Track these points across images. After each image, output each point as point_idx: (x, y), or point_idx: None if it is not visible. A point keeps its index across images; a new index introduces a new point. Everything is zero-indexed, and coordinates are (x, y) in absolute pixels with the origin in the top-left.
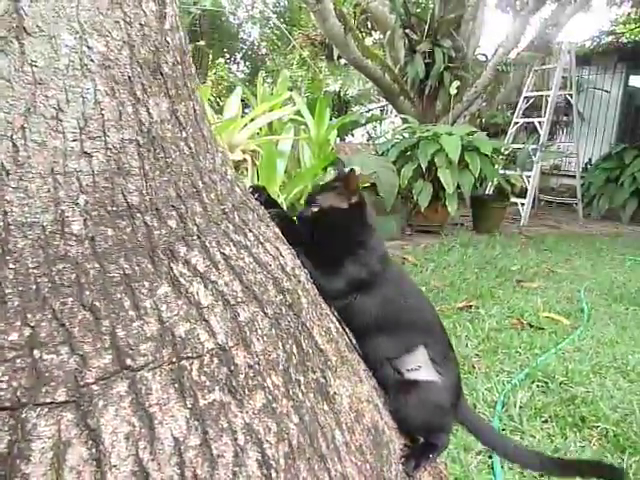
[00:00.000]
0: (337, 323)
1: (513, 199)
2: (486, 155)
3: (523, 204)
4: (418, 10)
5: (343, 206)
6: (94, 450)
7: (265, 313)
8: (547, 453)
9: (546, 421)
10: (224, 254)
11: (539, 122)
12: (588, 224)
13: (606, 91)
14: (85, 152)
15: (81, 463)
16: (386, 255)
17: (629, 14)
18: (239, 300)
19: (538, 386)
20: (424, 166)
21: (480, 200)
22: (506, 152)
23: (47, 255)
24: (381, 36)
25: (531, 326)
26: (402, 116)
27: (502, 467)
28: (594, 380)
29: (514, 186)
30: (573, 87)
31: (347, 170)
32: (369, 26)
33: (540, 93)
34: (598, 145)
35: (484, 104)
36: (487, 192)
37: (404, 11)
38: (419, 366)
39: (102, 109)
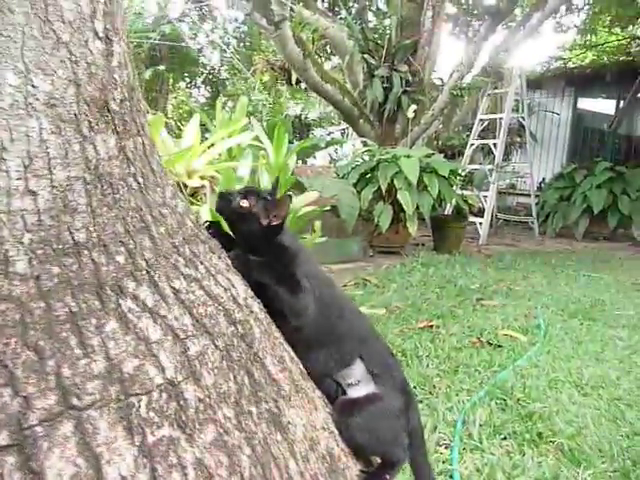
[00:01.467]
0: (290, 351)
1: (471, 218)
2: (444, 177)
3: (481, 223)
4: (375, 35)
5: (264, 221)
6: None
7: (216, 346)
8: (506, 470)
9: (505, 438)
10: (174, 288)
11: (494, 144)
12: (544, 241)
13: (556, 113)
14: (30, 190)
15: None
16: (307, 260)
17: (575, 40)
18: (189, 334)
19: (497, 403)
20: (384, 188)
21: (439, 220)
22: (463, 173)
23: None
24: (340, 61)
25: (490, 344)
26: (362, 139)
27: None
28: (550, 395)
29: (472, 206)
30: (525, 110)
31: (286, 194)
32: (328, 51)
33: (494, 116)
34: (551, 165)
35: (441, 126)
36: (446, 212)
37: (362, 37)
38: (358, 381)
39: (47, 147)
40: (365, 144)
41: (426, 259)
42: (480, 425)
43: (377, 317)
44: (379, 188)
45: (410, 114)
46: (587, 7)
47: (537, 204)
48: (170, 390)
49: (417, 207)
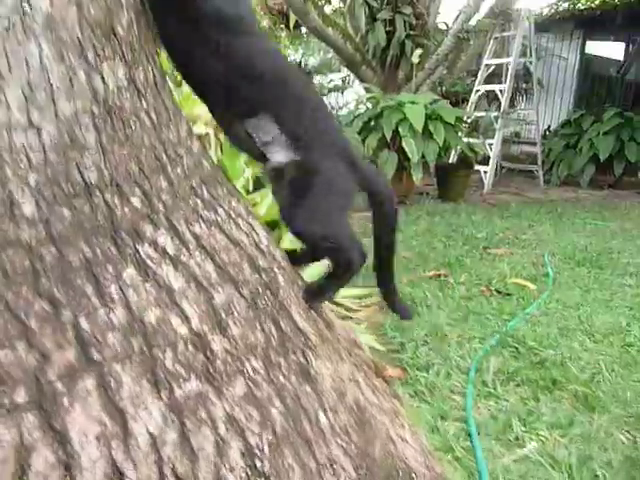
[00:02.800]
0: None
1: (476, 167)
2: (450, 124)
3: (486, 172)
4: None
5: None
6: (61, 453)
7: (241, 294)
8: (521, 416)
9: (518, 385)
10: (194, 233)
11: (500, 90)
12: (549, 190)
13: (564, 58)
14: (33, 124)
15: (48, 468)
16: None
17: None
18: (213, 282)
19: (509, 351)
20: (388, 136)
21: (444, 169)
22: (469, 120)
23: None
24: (341, 4)
25: (499, 292)
26: (365, 85)
27: (478, 433)
28: (562, 343)
29: (478, 154)
30: (532, 55)
31: None
32: None
33: (500, 61)
34: (557, 112)
35: (445, 72)
36: (451, 161)
37: None
38: (271, 139)
39: (50, 75)
40: (369, 90)
41: (431, 208)
42: (493, 372)
43: None
44: (383, 136)
45: (415, 59)
46: None
47: (542, 152)
48: (196, 341)
49: (422, 155)
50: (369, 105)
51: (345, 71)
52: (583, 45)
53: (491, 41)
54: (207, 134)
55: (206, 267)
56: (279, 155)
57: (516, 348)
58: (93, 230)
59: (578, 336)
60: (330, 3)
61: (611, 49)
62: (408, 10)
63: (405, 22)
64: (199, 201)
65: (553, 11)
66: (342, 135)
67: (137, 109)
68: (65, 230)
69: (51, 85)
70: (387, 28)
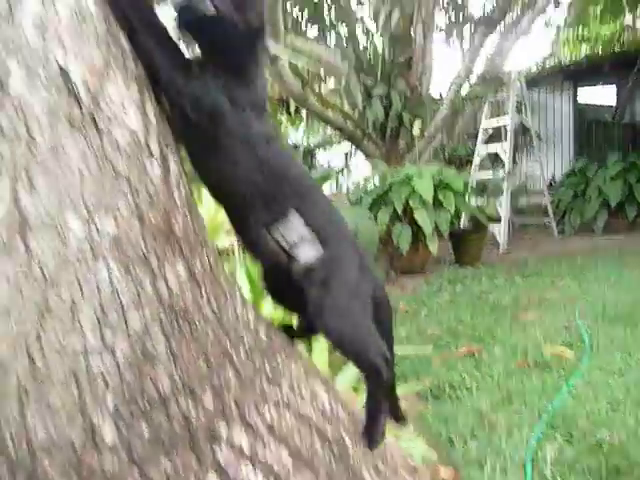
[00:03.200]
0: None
1: (489, 226)
2: (458, 191)
3: (499, 230)
4: (369, 55)
5: (240, 25)
6: None
7: (318, 477)
8: None
9: (580, 475)
10: (265, 421)
11: (502, 150)
12: (564, 240)
13: (558, 109)
14: (107, 346)
15: None
16: (262, 106)
17: (566, 35)
18: (290, 471)
19: (562, 435)
20: (400, 210)
21: (458, 234)
22: (474, 183)
23: (80, 475)
24: (337, 84)
25: (537, 365)
26: (370, 160)
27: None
28: (615, 418)
29: (491, 218)
30: (527, 111)
31: None
32: (323, 75)
33: (498, 124)
34: (559, 161)
35: (445, 137)
36: (462, 224)
37: (355, 58)
38: (301, 237)
39: (120, 294)
40: (375, 166)
41: (451, 275)
42: (551, 463)
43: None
44: (395, 210)
45: (416, 132)
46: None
47: (552, 202)
48: None
49: (435, 225)
50: (377, 181)
51: (347, 145)
52: (575, 94)
53: (486, 105)
54: (231, 246)
55: (282, 456)
56: (308, 253)
57: (569, 431)
58: (172, 442)
59: (629, 409)
60: (325, 83)
61: (602, 96)
62: (402, 84)
63: (400, 95)
64: (264, 380)
65: (540, 67)
66: (348, 227)
67: (199, 304)
68: (145, 450)
69: (121, 303)
70: (383, 102)
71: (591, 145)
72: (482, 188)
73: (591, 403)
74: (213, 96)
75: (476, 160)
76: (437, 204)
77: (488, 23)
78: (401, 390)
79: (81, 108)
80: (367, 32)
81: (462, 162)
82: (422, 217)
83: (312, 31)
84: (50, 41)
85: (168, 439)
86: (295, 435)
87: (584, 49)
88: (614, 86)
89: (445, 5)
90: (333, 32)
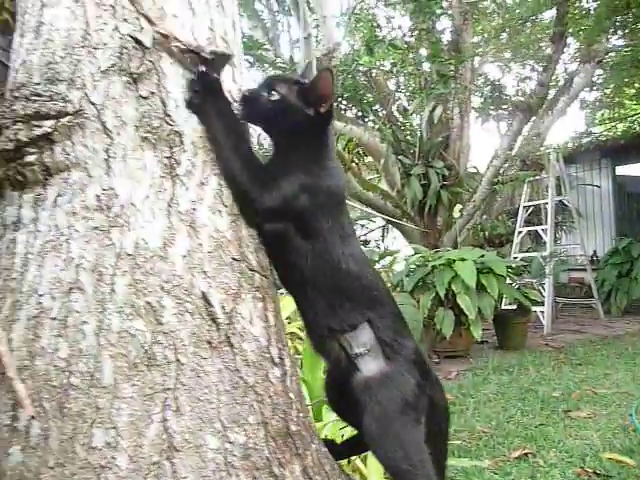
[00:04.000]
0: None
1: (533, 308)
2: (501, 275)
3: (542, 312)
4: (407, 135)
5: (308, 112)
6: None
7: None
8: None
9: None
10: None
11: (542, 229)
12: (611, 323)
13: (597, 186)
14: None
15: None
16: (342, 199)
17: (603, 114)
18: None
19: None
20: (442, 294)
21: (501, 318)
22: (516, 265)
23: None
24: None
25: (597, 475)
26: (413, 246)
27: None
28: None
29: (535, 302)
30: (567, 191)
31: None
32: (361, 153)
33: (537, 202)
34: (600, 237)
35: (485, 217)
36: (505, 306)
37: (394, 138)
38: (367, 350)
39: None
40: (417, 250)
41: (496, 362)
42: None
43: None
44: (437, 294)
45: (456, 213)
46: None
47: (596, 281)
48: None
49: (478, 309)
50: (418, 263)
51: (381, 221)
52: (613, 171)
53: (525, 185)
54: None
55: None
56: (370, 366)
57: None
58: None
59: None
60: (363, 161)
61: None
62: (439, 163)
63: (438, 174)
64: None
65: (577, 144)
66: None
67: None
68: None
69: None
70: (421, 181)
71: (632, 219)
72: (523, 269)
73: None
74: (297, 197)
75: (516, 239)
76: (480, 288)
77: (527, 111)
78: None
79: (218, 329)
80: (404, 111)
81: (502, 241)
82: (465, 302)
83: (350, 112)
84: (194, 270)
85: None
86: None
87: (621, 127)
88: None
89: (481, 88)
90: (371, 114)
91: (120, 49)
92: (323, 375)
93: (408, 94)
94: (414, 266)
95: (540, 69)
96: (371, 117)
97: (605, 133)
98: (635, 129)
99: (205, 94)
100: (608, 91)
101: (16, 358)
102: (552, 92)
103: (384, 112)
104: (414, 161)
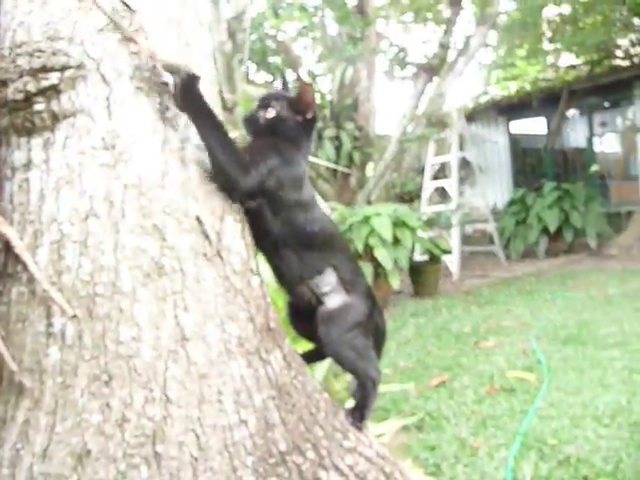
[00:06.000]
0: None
1: (443, 257)
2: (414, 227)
3: (452, 261)
4: (317, 100)
5: (297, 118)
6: None
7: None
8: None
9: None
10: (348, 465)
11: (448, 184)
12: (511, 266)
13: (495, 142)
14: (242, 420)
15: None
16: (302, 181)
17: (497, 75)
18: None
19: (535, 452)
20: (360, 248)
21: (415, 267)
22: (425, 217)
23: None
24: None
25: (504, 390)
26: (331, 204)
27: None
28: (577, 434)
29: (445, 251)
30: (469, 147)
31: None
32: None
33: (444, 159)
34: (499, 190)
35: (395, 174)
36: (418, 257)
37: None
38: (332, 289)
39: (246, 380)
40: (334, 209)
41: (412, 308)
42: (530, 479)
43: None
44: (355, 249)
45: (369, 173)
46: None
47: (497, 230)
48: None
49: (394, 261)
50: (336, 221)
51: None
52: (508, 127)
53: (431, 142)
54: None
55: None
56: (335, 300)
57: (540, 448)
58: None
59: (588, 424)
60: None
61: (534, 126)
62: (350, 125)
63: (349, 136)
64: (338, 433)
65: (476, 103)
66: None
67: (291, 378)
68: None
69: (247, 386)
70: (334, 143)
71: (527, 171)
72: (433, 222)
73: (555, 421)
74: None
75: (425, 195)
76: (394, 241)
77: (429, 71)
78: (387, 426)
79: (211, 244)
80: (313, 75)
81: (412, 197)
82: (382, 255)
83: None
84: (188, 197)
85: None
86: (368, 475)
87: (514, 86)
88: (544, 117)
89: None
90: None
91: (112, 10)
92: None
93: (316, 58)
94: None
95: (440, 32)
96: (280, 81)
97: (500, 92)
98: (525, 88)
99: (186, 99)
100: (502, 52)
101: (44, 276)
102: (453, 54)
103: (294, 77)
104: (325, 124)
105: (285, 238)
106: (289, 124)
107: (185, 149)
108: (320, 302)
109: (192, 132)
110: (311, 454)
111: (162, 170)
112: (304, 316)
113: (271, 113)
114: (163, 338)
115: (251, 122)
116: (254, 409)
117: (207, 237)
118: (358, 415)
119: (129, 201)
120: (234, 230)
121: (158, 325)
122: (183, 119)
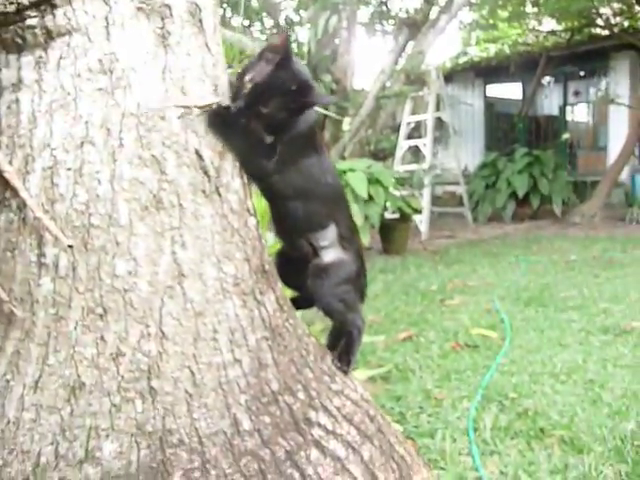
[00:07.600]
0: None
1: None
2: (387, 186)
3: (421, 221)
4: (295, 51)
5: (269, 69)
6: None
7: (374, 445)
8: (525, 467)
9: (513, 438)
10: (337, 407)
11: (423, 144)
12: (478, 228)
13: (469, 105)
14: (236, 359)
15: None
16: (314, 130)
17: (477, 36)
18: (358, 442)
19: (496, 405)
20: None
21: (385, 225)
22: (398, 175)
23: (234, 454)
24: None
25: (468, 345)
26: None
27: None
28: (536, 389)
29: (416, 210)
30: (446, 108)
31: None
32: None
33: (419, 118)
34: (471, 152)
35: (370, 131)
36: (388, 215)
37: None
38: (330, 244)
39: (240, 320)
40: None
41: (381, 264)
42: (490, 429)
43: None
44: None
45: (346, 127)
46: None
47: (467, 192)
48: None
49: (366, 217)
50: None
51: None
52: (484, 90)
53: (408, 100)
54: None
55: (351, 432)
56: (331, 255)
57: (500, 401)
58: (285, 427)
59: (546, 380)
60: None
61: (510, 91)
62: (328, 77)
63: (326, 88)
64: (327, 377)
65: (454, 64)
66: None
67: (284, 321)
68: (270, 432)
69: (242, 326)
70: None
71: (500, 136)
72: (405, 180)
73: (516, 377)
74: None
75: (399, 153)
76: (368, 197)
77: (412, 26)
78: (355, 376)
79: (210, 181)
80: (291, 23)
81: (385, 155)
82: (354, 210)
83: (235, 21)
84: (188, 129)
85: (283, 425)
86: (355, 416)
87: (493, 49)
88: (520, 83)
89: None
90: (258, 23)
91: None
92: None
93: (295, 4)
94: None
95: None
96: (257, 27)
97: (479, 54)
98: (504, 51)
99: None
100: (484, 12)
101: (36, 203)
102: (435, 11)
103: (271, 23)
104: None
105: (296, 189)
106: (268, 80)
107: (185, 79)
108: (316, 255)
109: (193, 62)
110: (302, 395)
111: (162, 100)
112: (293, 267)
113: (249, 84)
114: (160, 274)
115: (238, 102)
116: (248, 349)
117: (206, 173)
118: (345, 360)
119: (127, 130)
120: (232, 168)
121: (155, 260)
122: (184, 47)
